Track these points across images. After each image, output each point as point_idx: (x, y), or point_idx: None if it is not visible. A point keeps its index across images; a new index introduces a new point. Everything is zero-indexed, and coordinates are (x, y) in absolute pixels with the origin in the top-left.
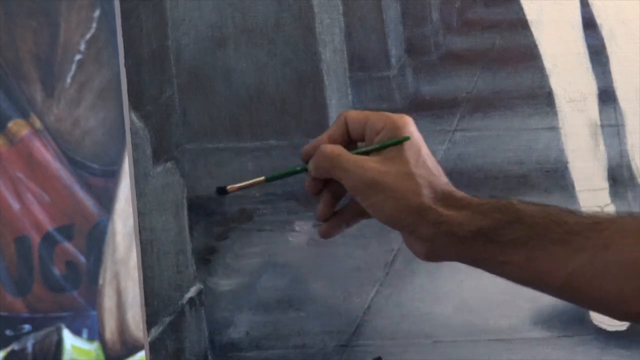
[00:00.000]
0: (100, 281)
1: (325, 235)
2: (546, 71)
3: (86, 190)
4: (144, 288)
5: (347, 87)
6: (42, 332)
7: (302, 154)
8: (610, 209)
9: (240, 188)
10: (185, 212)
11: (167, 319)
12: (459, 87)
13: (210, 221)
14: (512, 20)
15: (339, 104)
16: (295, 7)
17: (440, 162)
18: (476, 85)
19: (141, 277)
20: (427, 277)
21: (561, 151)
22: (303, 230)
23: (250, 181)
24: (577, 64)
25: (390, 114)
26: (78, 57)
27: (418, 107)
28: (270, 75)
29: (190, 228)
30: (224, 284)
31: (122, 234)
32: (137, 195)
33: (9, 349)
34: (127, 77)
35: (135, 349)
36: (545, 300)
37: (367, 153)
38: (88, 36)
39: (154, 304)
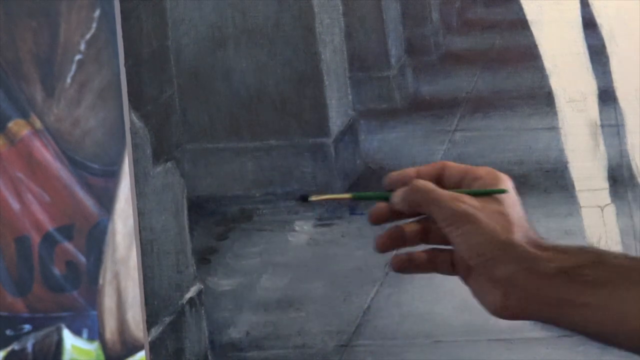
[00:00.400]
0: (100, 281)
1: (382, 247)
2: (546, 71)
3: (86, 190)
4: (144, 288)
5: (347, 87)
6: (42, 332)
7: (385, 181)
8: (611, 209)
9: (323, 200)
10: (185, 212)
11: (167, 319)
12: (459, 87)
13: (210, 221)
14: (512, 20)
15: (339, 104)
16: (295, 7)
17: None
18: (476, 85)
19: (141, 277)
20: (427, 277)
21: (561, 151)
22: (303, 230)
23: (337, 195)
24: (577, 64)
25: (494, 170)
26: (78, 57)
27: (418, 107)
28: (270, 75)
29: (190, 228)
30: (224, 284)
31: (122, 234)
32: (137, 195)
33: (9, 349)
34: (127, 77)
35: (135, 349)
36: None
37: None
38: (88, 36)
39: (154, 303)
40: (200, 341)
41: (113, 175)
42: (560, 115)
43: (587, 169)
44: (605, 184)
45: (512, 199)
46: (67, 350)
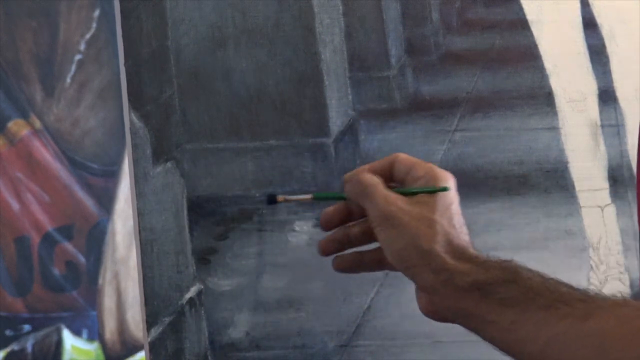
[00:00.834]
0: (100, 281)
1: (324, 250)
2: (546, 71)
3: (86, 190)
4: (144, 288)
5: (347, 87)
6: (42, 332)
7: (342, 181)
8: (611, 209)
9: (287, 200)
10: (185, 212)
11: (167, 319)
12: (459, 87)
13: (210, 221)
14: (512, 20)
15: (339, 104)
16: (295, 7)
17: (440, 163)
18: (476, 85)
19: (141, 277)
20: None
21: (561, 151)
22: (303, 230)
23: (299, 197)
24: (577, 64)
25: (435, 167)
26: (78, 57)
27: (418, 107)
28: (270, 75)
29: (190, 228)
30: (224, 284)
31: (122, 234)
32: (137, 195)
33: (8, 349)
34: (127, 77)
35: (135, 349)
36: None
37: (403, 194)
38: (88, 36)
39: (154, 304)
40: (200, 341)
41: (113, 175)
42: (560, 115)
43: (587, 169)
44: (606, 184)
45: (447, 200)
46: (67, 350)
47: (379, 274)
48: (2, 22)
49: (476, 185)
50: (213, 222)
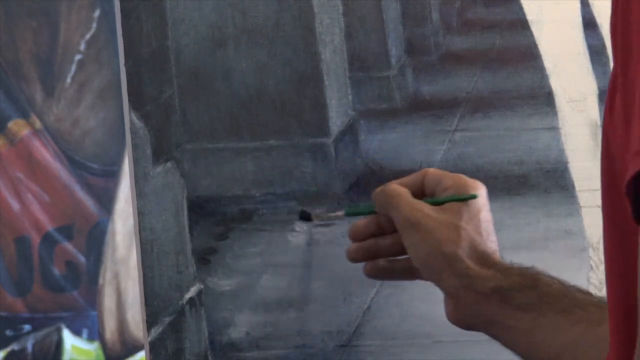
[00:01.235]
0: (100, 281)
1: (354, 258)
2: (546, 71)
3: (86, 190)
4: (144, 288)
5: (347, 87)
6: (42, 332)
7: (372, 196)
8: None
9: (319, 217)
10: (185, 212)
11: (167, 319)
12: (459, 87)
13: (210, 221)
14: (512, 20)
15: (339, 104)
16: (295, 7)
17: (440, 163)
18: (476, 85)
19: (141, 277)
20: None
21: (561, 151)
22: (303, 230)
23: (331, 214)
24: (577, 64)
25: (464, 177)
26: (78, 57)
27: (418, 107)
28: (270, 75)
29: (190, 228)
30: (224, 284)
31: (122, 234)
32: (137, 195)
33: (9, 349)
34: (127, 77)
35: (135, 349)
36: None
37: (432, 204)
38: (88, 36)
39: (154, 304)
40: (200, 341)
41: (113, 175)
42: (560, 115)
43: (587, 169)
44: None
45: (475, 208)
46: (67, 350)
47: None
48: (2, 22)
49: None
50: (213, 222)
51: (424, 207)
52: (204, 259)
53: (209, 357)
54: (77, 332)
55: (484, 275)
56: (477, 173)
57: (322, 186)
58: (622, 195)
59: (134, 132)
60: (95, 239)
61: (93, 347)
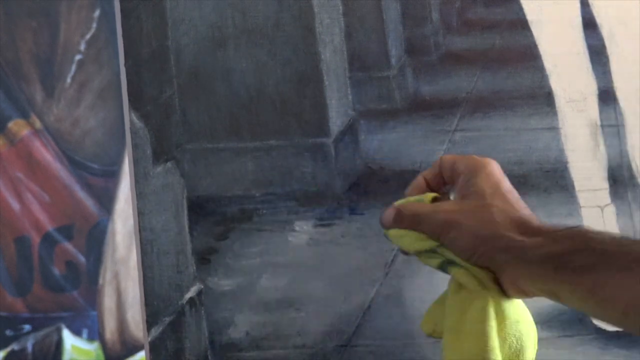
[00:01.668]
0: (100, 281)
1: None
2: (546, 71)
3: (86, 190)
4: (144, 288)
5: (347, 87)
6: (42, 332)
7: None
8: (611, 209)
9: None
10: (185, 212)
11: (167, 319)
12: (459, 87)
13: (210, 221)
14: (512, 20)
15: (339, 104)
16: (295, 7)
17: None
18: (476, 85)
19: (141, 277)
20: (427, 277)
21: (561, 151)
22: (303, 230)
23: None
24: (577, 64)
25: (476, 156)
26: (78, 57)
27: (418, 107)
28: (270, 75)
29: (190, 228)
30: (224, 284)
31: (122, 234)
32: (137, 195)
33: (9, 349)
34: (127, 77)
35: (135, 349)
36: (545, 300)
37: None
38: (88, 36)
39: (154, 304)
40: (200, 341)
41: (113, 175)
42: (560, 115)
43: (587, 169)
44: (605, 184)
45: (493, 181)
46: (67, 350)
47: (379, 274)
48: (2, 22)
49: None
50: (213, 222)
51: (443, 206)
52: (204, 259)
53: (209, 357)
54: (77, 332)
55: (532, 244)
56: None
57: (322, 186)
58: None
59: (134, 132)
60: (95, 239)
61: (93, 347)
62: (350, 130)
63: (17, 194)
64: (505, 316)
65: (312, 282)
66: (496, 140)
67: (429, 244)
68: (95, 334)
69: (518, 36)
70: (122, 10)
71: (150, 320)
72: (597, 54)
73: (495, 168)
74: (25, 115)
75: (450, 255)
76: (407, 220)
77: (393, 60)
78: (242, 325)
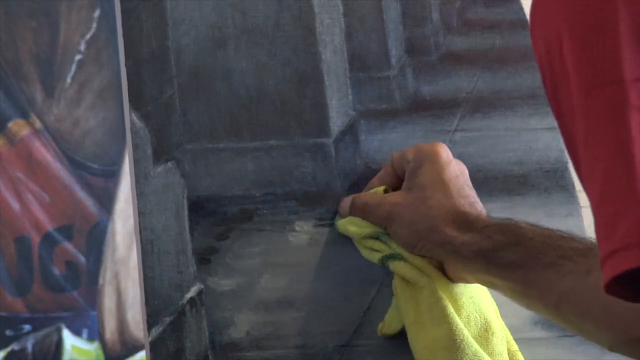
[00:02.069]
0: (100, 281)
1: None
2: None
3: (86, 190)
4: (144, 288)
5: (347, 87)
6: (42, 332)
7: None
8: None
9: None
10: (186, 212)
11: (168, 319)
12: (459, 87)
13: (210, 221)
14: (512, 20)
15: (339, 104)
16: (295, 7)
17: None
18: (476, 85)
19: (141, 277)
20: None
21: (561, 151)
22: (303, 230)
23: None
24: None
25: (424, 144)
26: (78, 57)
27: (418, 107)
28: (270, 75)
29: (191, 228)
30: (224, 284)
31: (122, 234)
32: (137, 195)
33: (9, 349)
34: (127, 77)
35: (135, 349)
36: None
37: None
38: (88, 36)
39: (155, 303)
40: (201, 341)
41: (113, 175)
42: None
43: None
44: None
45: (435, 171)
46: (67, 350)
47: (378, 273)
48: (2, 22)
49: (476, 185)
50: (213, 222)
51: (387, 197)
52: (205, 258)
53: (210, 357)
54: (77, 332)
55: (464, 240)
56: (477, 173)
57: (322, 186)
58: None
59: (134, 132)
60: (95, 239)
61: (93, 347)
62: (350, 130)
63: (17, 194)
64: (458, 296)
65: (312, 282)
66: (496, 140)
67: (375, 229)
68: (95, 334)
69: (518, 36)
70: (122, 10)
71: (151, 320)
72: None
73: (441, 154)
74: (25, 115)
75: (395, 245)
76: (358, 209)
77: (393, 60)
78: (242, 325)
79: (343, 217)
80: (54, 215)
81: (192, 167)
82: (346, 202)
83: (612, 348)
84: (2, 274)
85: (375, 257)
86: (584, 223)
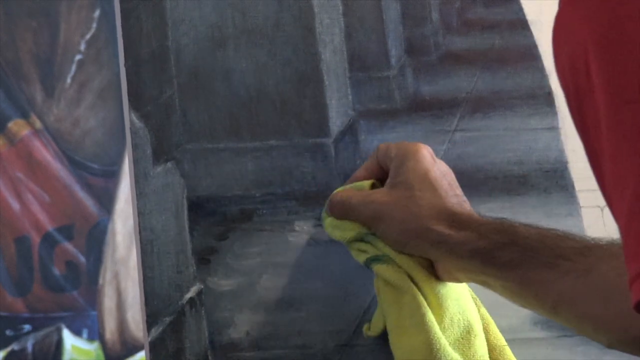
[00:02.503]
0: (100, 281)
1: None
2: (546, 71)
3: (86, 190)
4: (144, 288)
5: (347, 87)
6: (42, 332)
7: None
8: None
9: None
10: (186, 212)
11: (168, 319)
12: (458, 87)
13: (210, 221)
14: (512, 20)
15: (339, 104)
16: (295, 7)
17: None
18: (476, 85)
19: (141, 277)
20: None
21: (561, 151)
22: (303, 230)
23: None
24: None
25: (407, 142)
26: (78, 57)
27: (418, 107)
28: (270, 75)
29: (191, 228)
30: (224, 284)
31: (122, 234)
32: (137, 195)
33: (9, 349)
34: (127, 77)
35: (135, 349)
36: None
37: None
38: (88, 36)
39: (154, 304)
40: (201, 341)
41: (113, 175)
42: (560, 115)
43: (587, 169)
44: None
45: (421, 171)
46: (67, 350)
47: None
48: (2, 22)
49: (476, 185)
50: (213, 222)
51: (374, 195)
52: (204, 259)
53: (209, 357)
54: (77, 332)
55: (459, 239)
56: (477, 173)
57: (322, 186)
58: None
59: (134, 132)
60: (95, 239)
61: (93, 347)
62: (350, 130)
63: (17, 194)
64: (444, 298)
65: (312, 282)
66: (496, 140)
67: (359, 231)
68: (95, 334)
69: (518, 36)
70: (122, 10)
71: (150, 320)
72: None
73: (425, 154)
74: (25, 115)
75: (381, 245)
76: (336, 209)
77: (393, 60)
78: (242, 325)
79: (325, 216)
80: (54, 215)
81: (191, 167)
82: (327, 202)
83: (611, 345)
84: (2, 274)
85: (361, 259)
86: (584, 223)
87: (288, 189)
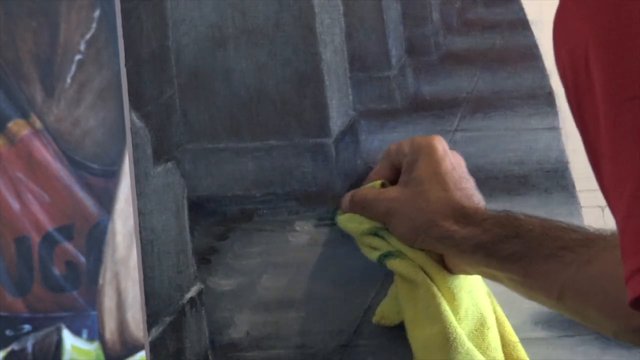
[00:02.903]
0: (100, 281)
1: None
2: (547, 71)
3: (86, 190)
4: (144, 288)
5: (347, 87)
6: (42, 332)
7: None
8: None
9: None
10: (186, 212)
11: (168, 319)
12: (459, 87)
13: (210, 221)
14: (513, 20)
15: (339, 104)
16: (296, 7)
17: None
18: (476, 85)
19: (141, 277)
20: None
21: (562, 151)
22: (303, 230)
23: None
24: None
25: (420, 137)
26: (78, 57)
27: (418, 107)
28: (270, 75)
29: (191, 228)
30: (224, 284)
31: (122, 234)
32: (137, 195)
33: (9, 349)
34: (127, 77)
35: (135, 349)
36: None
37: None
38: (88, 36)
39: (155, 303)
40: (201, 341)
41: (113, 175)
42: (561, 115)
43: (587, 169)
44: None
45: (432, 165)
46: (67, 350)
47: (378, 273)
48: (2, 22)
49: (477, 185)
50: (213, 222)
51: (386, 192)
52: (205, 258)
53: (210, 357)
54: (77, 332)
55: (463, 234)
56: (477, 173)
57: (323, 186)
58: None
59: (134, 132)
60: (95, 239)
61: (93, 347)
62: (350, 130)
63: (17, 194)
64: (457, 290)
65: (312, 282)
66: (497, 140)
67: (374, 225)
68: (95, 334)
69: (518, 36)
70: (122, 10)
71: (151, 320)
72: None
73: (436, 149)
74: (25, 115)
75: (394, 241)
76: (357, 205)
77: (393, 60)
78: (242, 325)
79: (344, 212)
80: (54, 215)
81: (192, 167)
82: (346, 197)
83: (616, 335)
84: (2, 274)
85: (374, 256)
86: (585, 223)
87: (288, 189)
